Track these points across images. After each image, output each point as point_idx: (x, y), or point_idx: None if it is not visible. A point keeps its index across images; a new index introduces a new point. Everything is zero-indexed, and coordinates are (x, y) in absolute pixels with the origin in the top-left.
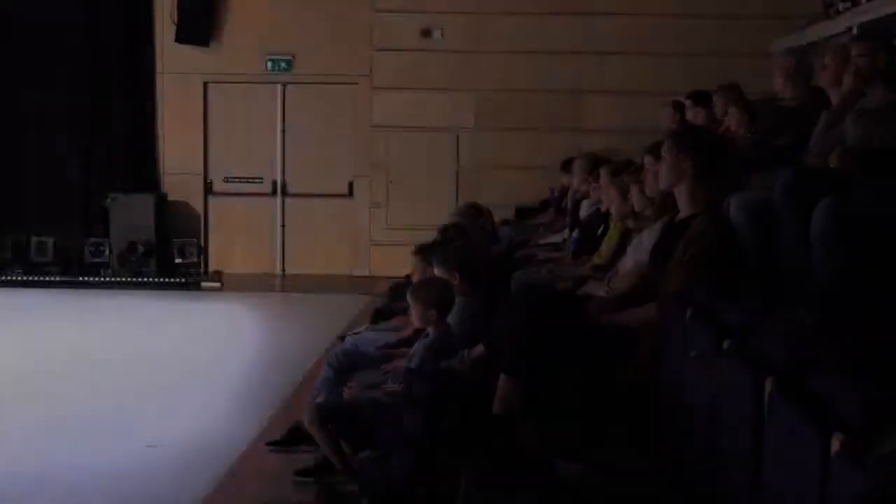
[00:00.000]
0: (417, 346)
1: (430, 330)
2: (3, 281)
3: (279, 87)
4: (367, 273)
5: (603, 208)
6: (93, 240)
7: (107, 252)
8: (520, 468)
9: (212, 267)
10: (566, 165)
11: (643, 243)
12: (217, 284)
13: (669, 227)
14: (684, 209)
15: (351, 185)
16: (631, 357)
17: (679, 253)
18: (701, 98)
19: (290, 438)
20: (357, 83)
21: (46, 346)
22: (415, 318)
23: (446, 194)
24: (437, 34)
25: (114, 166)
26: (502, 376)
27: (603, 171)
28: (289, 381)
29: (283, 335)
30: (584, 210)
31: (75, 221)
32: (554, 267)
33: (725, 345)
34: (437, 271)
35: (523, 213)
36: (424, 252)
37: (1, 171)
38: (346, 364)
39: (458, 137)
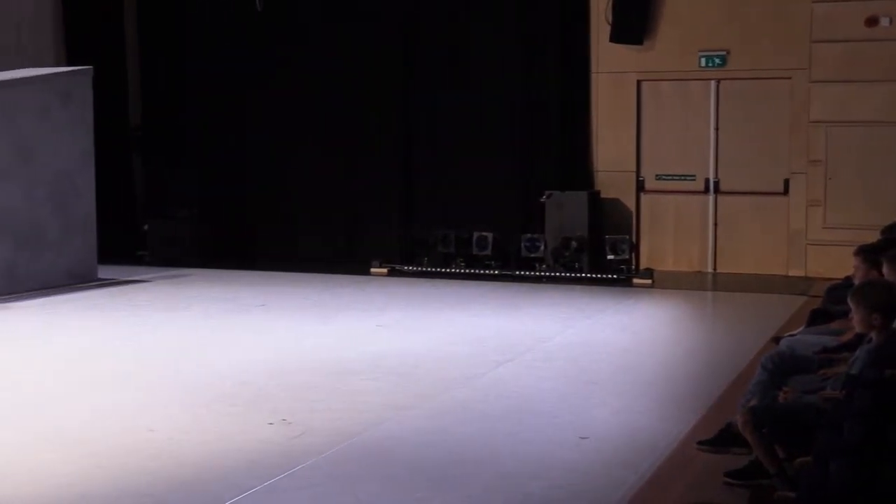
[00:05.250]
0: (859, 352)
1: (873, 335)
2: (447, 273)
3: (713, 83)
4: (802, 273)
5: None
6: (528, 235)
7: (542, 247)
8: None
9: (643, 264)
10: None
11: None
12: (648, 282)
13: None
14: None
15: (787, 182)
16: None
17: None
18: None
19: (722, 439)
20: (792, 77)
21: (483, 336)
22: (856, 321)
23: (890, 192)
24: (884, 22)
25: (550, 164)
26: None
27: None
28: (720, 381)
29: (715, 334)
30: None
31: (514, 217)
32: None
33: None
34: (886, 273)
35: None
36: (868, 252)
37: (445, 170)
38: (782, 367)
39: None
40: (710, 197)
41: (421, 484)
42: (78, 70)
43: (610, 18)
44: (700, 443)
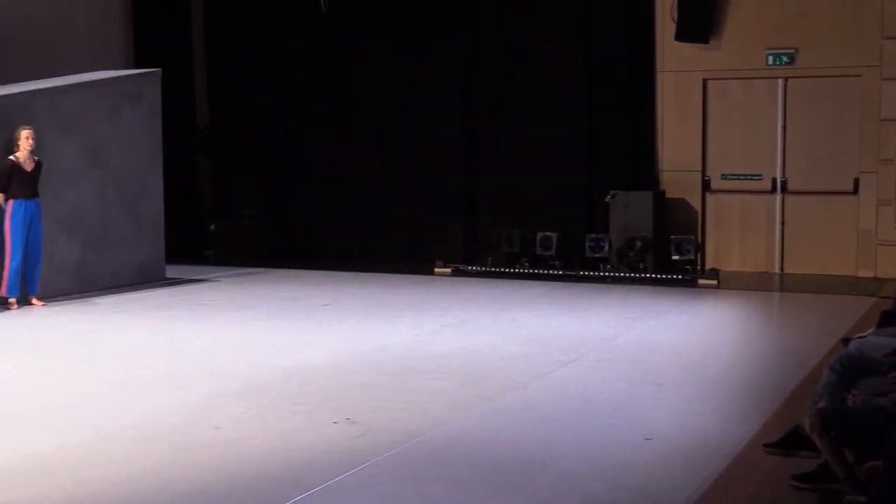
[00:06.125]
0: None
1: None
2: (511, 273)
3: (780, 81)
4: (872, 274)
5: None
6: (593, 235)
7: (606, 247)
8: None
9: (709, 264)
10: None
11: None
12: (714, 282)
13: None
14: None
15: (856, 181)
16: None
17: None
18: None
19: (789, 442)
20: (862, 75)
21: (547, 336)
22: None
23: None
24: None
25: (615, 164)
26: None
27: None
28: (787, 383)
29: (782, 336)
30: None
31: (578, 217)
32: None
33: None
34: None
35: None
36: None
37: (510, 170)
38: (851, 369)
39: None
40: (777, 196)
41: (483, 484)
42: (147, 72)
43: (675, 17)
44: (767, 445)
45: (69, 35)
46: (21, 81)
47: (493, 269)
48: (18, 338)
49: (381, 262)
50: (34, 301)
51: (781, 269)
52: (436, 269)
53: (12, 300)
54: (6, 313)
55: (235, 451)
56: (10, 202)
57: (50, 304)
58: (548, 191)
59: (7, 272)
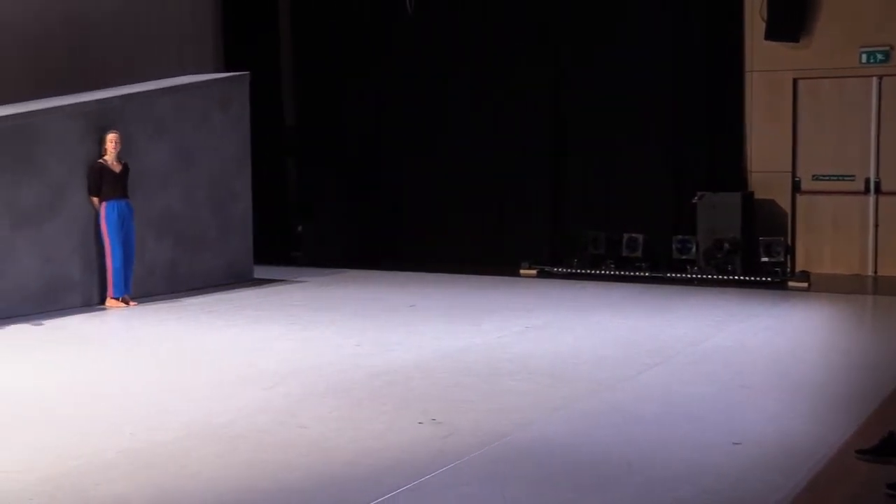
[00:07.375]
0: None
1: None
2: (597, 275)
3: (874, 80)
4: None
5: None
6: (680, 237)
7: (693, 249)
8: None
9: (799, 266)
10: None
11: None
12: (804, 284)
13: None
14: None
15: None
16: None
17: None
18: None
19: (884, 448)
20: None
21: (634, 338)
22: None
23: None
24: None
25: (701, 164)
26: None
27: None
28: (881, 388)
29: (875, 339)
30: None
31: (664, 219)
32: None
33: None
34: None
35: None
36: None
37: (596, 171)
38: None
39: None
40: (871, 197)
41: (569, 486)
42: (236, 76)
43: (765, 16)
44: (860, 451)
45: (161, 40)
46: (116, 86)
47: (578, 271)
48: (111, 337)
49: (467, 262)
50: (127, 301)
51: (875, 271)
52: (521, 271)
53: (127, 297)
54: (100, 313)
55: (321, 451)
56: (104, 204)
57: (141, 303)
58: (634, 192)
59: (111, 273)
